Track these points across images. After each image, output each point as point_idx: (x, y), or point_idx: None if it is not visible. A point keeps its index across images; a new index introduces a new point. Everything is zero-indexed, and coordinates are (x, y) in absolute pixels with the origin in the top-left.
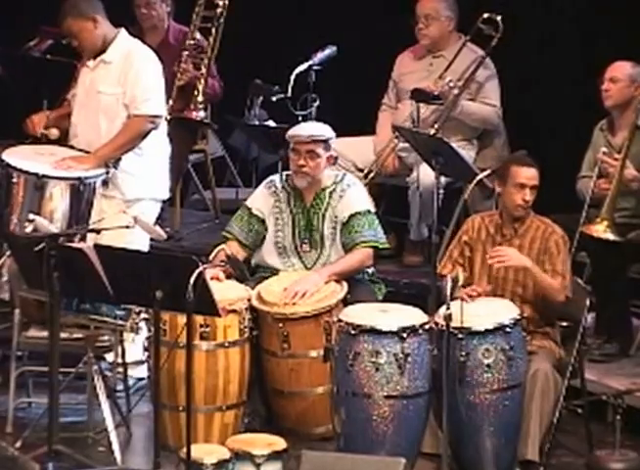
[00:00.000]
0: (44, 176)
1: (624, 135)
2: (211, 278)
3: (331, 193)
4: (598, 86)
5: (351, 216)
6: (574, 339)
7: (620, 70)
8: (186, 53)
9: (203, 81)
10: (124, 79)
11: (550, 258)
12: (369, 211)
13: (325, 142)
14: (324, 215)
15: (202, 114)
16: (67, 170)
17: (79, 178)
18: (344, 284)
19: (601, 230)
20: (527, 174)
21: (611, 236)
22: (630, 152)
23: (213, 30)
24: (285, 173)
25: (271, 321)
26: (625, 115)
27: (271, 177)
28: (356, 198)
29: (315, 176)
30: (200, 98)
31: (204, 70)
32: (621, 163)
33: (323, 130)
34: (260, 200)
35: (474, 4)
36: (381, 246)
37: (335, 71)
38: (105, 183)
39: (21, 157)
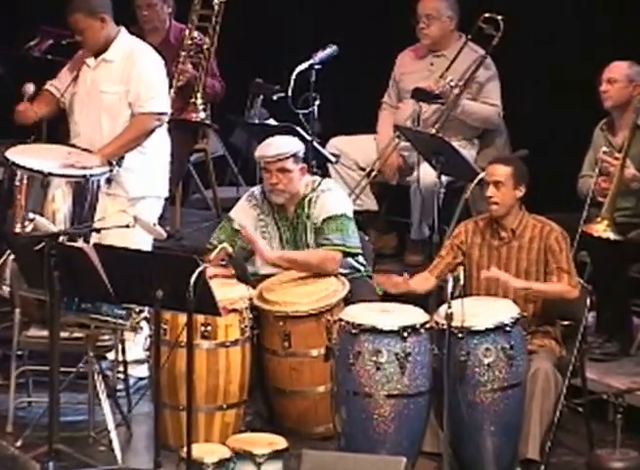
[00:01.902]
0: (50, 174)
1: (625, 135)
2: (220, 276)
3: (310, 201)
4: (597, 86)
5: (324, 221)
6: (575, 338)
7: (617, 70)
8: (184, 53)
9: (202, 81)
10: (127, 78)
11: (554, 257)
12: (343, 215)
13: (294, 156)
14: (306, 226)
15: (202, 114)
16: (73, 169)
17: (84, 176)
18: (346, 283)
19: (601, 229)
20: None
21: (611, 235)
22: (631, 152)
23: (210, 29)
24: (264, 187)
25: (272, 320)
26: (625, 115)
27: (252, 189)
28: (330, 202)
29: (292, 191)
30: (199, 100)
31: (202, 70)
32: (622, 162)
33: (289, 146)
34: (243, 214)
35: (474, 3)
36: (347, 250)
37: (335, 70)
38: (109, 181)
39: (25, 155)
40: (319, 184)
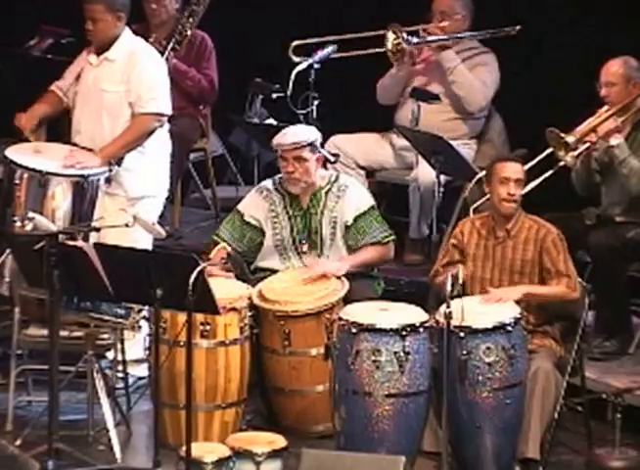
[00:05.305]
0: (48, 173)
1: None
2: (219, 276)
3: (327, 193)
4: (598, 90)
5: (357, 218)
6: (574, 337)
7: (613, 72)
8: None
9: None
10: (128, 78)
11: (551, 260)
12: (372, 208)
13: (310, 145)
14: (322, 216)
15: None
16: (74, 168)
17: (83, 176)
18: (346, 282)
19: (561, 155)
20: (511, 168)
21: (568, 159)
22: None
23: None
24: (277, 177)
25: (272, 319)
26: (631, 110)
27: (262, 183)
28: (357, 198)
29: (307, 181)
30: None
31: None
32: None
33: (306, 134)
34: (253, 206)
35: (475, 3)
36: (392, 237)
37: (335, 70)
38: (108, 181)
39: (24, 154)
40: (337, 178)
